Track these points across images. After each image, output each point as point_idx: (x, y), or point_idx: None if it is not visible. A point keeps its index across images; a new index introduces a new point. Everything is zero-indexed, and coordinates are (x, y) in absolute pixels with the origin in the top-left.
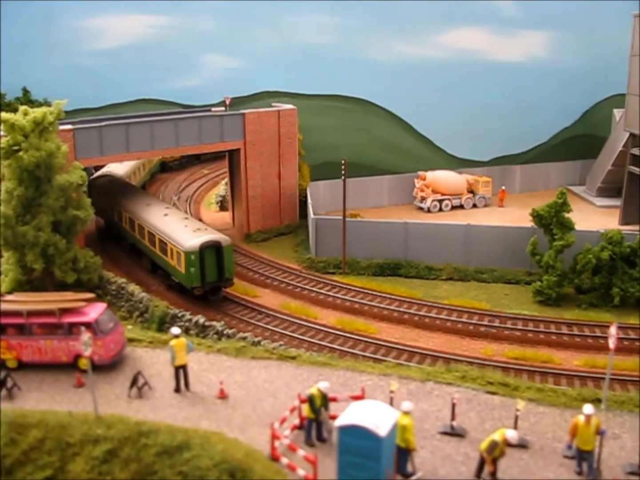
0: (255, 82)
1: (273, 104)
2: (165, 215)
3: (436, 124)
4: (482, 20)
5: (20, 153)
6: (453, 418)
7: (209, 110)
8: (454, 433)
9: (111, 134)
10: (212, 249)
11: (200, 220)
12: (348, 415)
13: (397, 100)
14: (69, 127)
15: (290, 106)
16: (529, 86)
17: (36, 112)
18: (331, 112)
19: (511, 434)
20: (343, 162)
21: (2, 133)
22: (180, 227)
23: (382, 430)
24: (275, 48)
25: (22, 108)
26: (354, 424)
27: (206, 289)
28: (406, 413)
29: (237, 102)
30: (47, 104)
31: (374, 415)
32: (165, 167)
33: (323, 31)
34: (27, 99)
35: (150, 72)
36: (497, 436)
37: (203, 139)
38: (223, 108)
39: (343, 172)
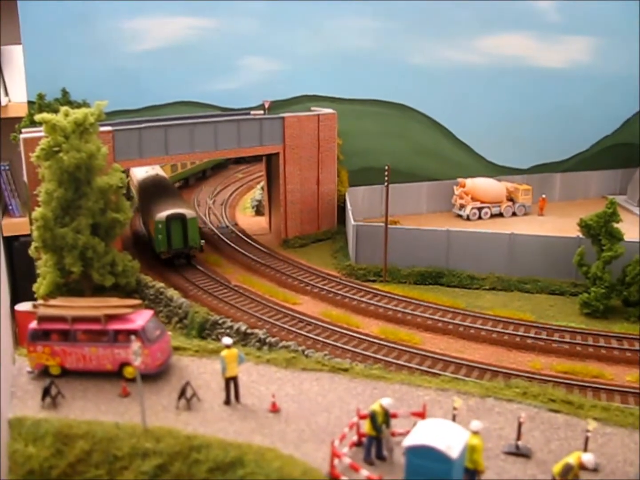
0: (295, 85)
1: (312, 108)
2: (156, 191)
3: (476, 130)
4: (524, 25)
5: (61, 154)
6: (519, 437)
7: (248, 114)
8: (520, 453)
9: (150, 136)
10: (178, 220)
11: (236, 223)
12: (417, 434)
13: (436, 106)
14: (109, 128)
15: (330, 110)
16: (570, 93)
17: (77, 113)
18: (370, 117)
19: (588, 458)
20: (387, 167)
21: (43, 134)
22: (160, 202)
23: (454, 451)
24: (315, 51)
25: (62, 109)
26: (424, 444)
27: (172, 254)
28: (475, 433)
29: (276, 105)
30: (86, 105)
31: (444, 435)
32: (239, 159)
33: (364, 35)
34: (66, 100)
35: (189, 75)
36: (571, 459)
37: (242, 143)
38: (262, 111)
39: (386, 178)
